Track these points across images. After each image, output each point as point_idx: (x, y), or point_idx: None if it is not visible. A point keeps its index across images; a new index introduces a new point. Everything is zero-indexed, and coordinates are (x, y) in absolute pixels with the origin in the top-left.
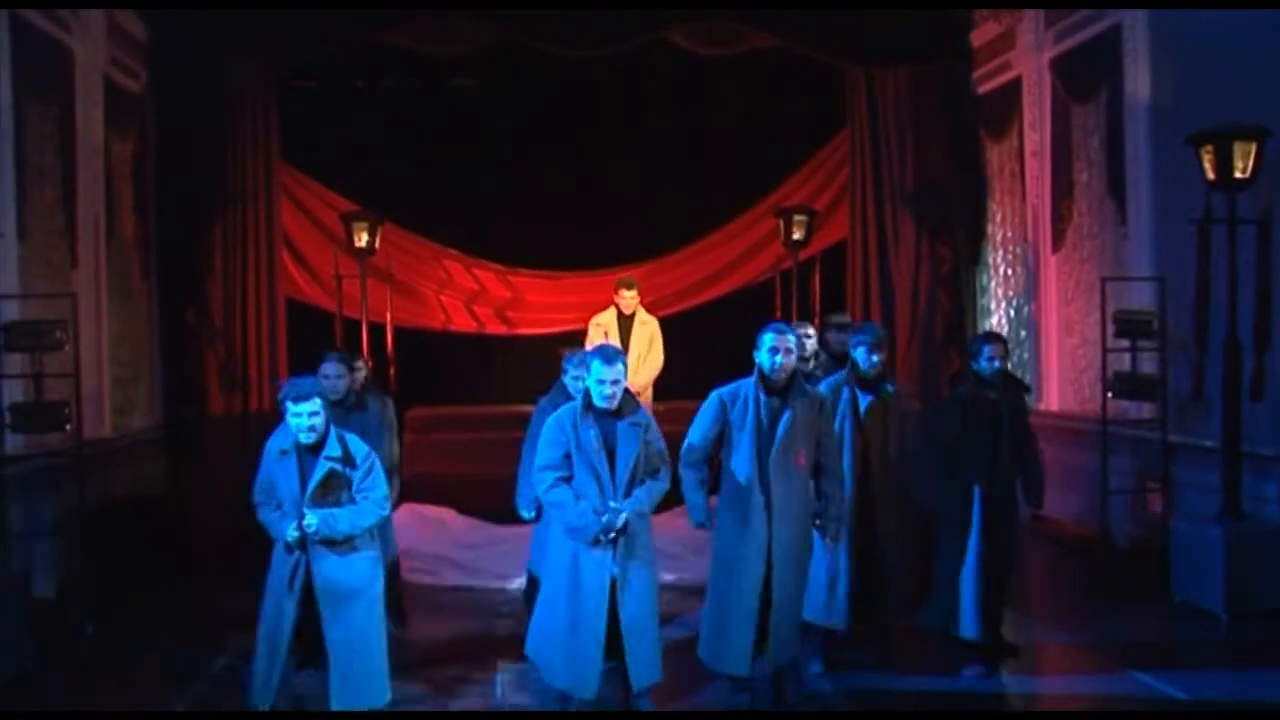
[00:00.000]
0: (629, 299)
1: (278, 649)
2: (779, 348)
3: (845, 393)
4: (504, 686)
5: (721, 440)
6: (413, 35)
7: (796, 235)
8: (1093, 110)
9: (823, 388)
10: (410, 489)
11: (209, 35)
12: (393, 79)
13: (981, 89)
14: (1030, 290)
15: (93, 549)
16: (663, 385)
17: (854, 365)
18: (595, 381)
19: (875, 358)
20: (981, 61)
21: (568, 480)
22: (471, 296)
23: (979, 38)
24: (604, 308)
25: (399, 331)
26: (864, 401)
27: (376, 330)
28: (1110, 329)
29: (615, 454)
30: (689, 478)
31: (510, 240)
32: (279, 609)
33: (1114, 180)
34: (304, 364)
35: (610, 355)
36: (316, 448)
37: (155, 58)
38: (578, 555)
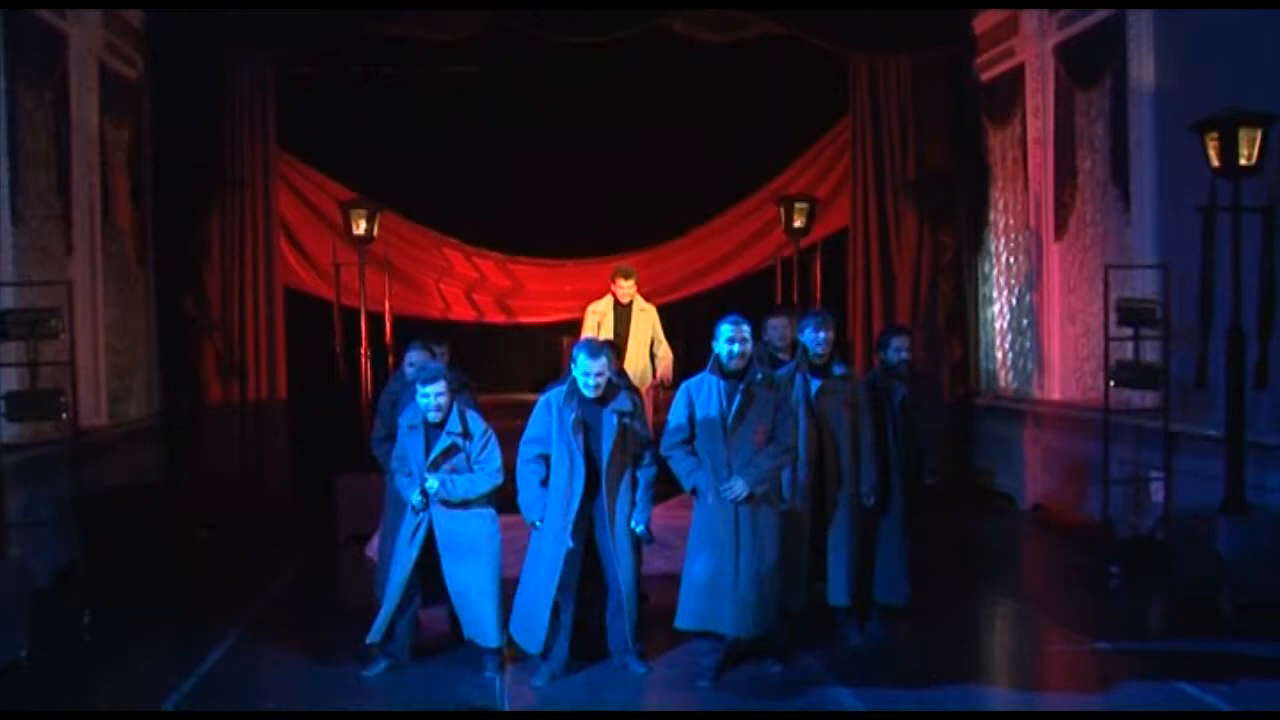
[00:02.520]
0: (626, 288)
1: (398, 591)
2: (735, 338)
3: (798, 379)
4: (503, 677)
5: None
6: (412, 23)
7: (797, 223)
8: (1096, 97)
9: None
10: None
11: (206, 24)
12: (392, 65)
13: (984, 76)
14: (1033, 278)
15: (90, 538)
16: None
17: (803, 349)
18: (581, 374)
19: (822, 334)
20: (984, 48)
21: (547, 460)
22: (471, 285)
23: (981, 24)
24: (601, 296)
25: (398, 320)
26: (815, 385)
27: (375, 319)
28: (1113, 317)
29: (599, 438)
30: (675, 454)
31: (510, 228)
32: (402, 558)
33: (1117, 167)
34: (302, 353)
35: (595, 349)
36: (441, 424)
37: (152, 44)
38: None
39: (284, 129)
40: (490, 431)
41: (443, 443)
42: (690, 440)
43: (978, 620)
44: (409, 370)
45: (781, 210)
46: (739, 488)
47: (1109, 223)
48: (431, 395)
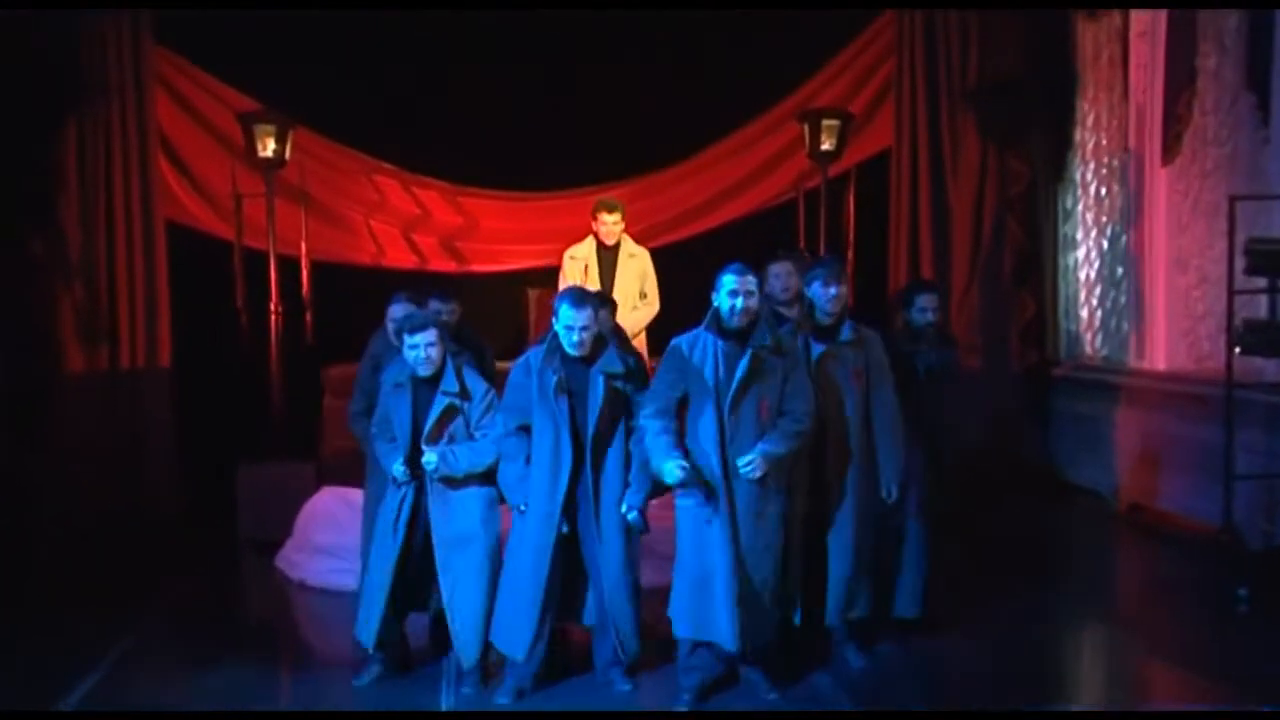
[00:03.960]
0: (611, 225)
1: (380, 589)
2: (740, 290)
3: (800, 341)
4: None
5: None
6: None
7: (825, 145)
8: None
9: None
10: (333, 469)
11: None
12: None
13: None
14: (1131, 214)
15: None
16: (655, 333)
17: (808, 306)
18: (564, 328)
19: (833, 289)
20: None
21: (528, 430)
22: (411, 223)
23: None
24: (580, 237)
25: (317, 268)
26: (816, 351)
27: (288, 266)
28: (1240, 264)
29: (585, 403)
30: (653, 427)
31: (462, 151)
32: (385, 547)
33: (1254, 68)
34: (191, 309)
35: (581, 298)
36: (433, 381)
37: None
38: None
39: (164, 20)
40: (493, 392)
41: (439, 404)
42: (673, 412)
43: (1047, 644)
44: (390, 327)
45: (805, 129)
46: (756, 466)
47: (1238, 141)
48: (421, 345)
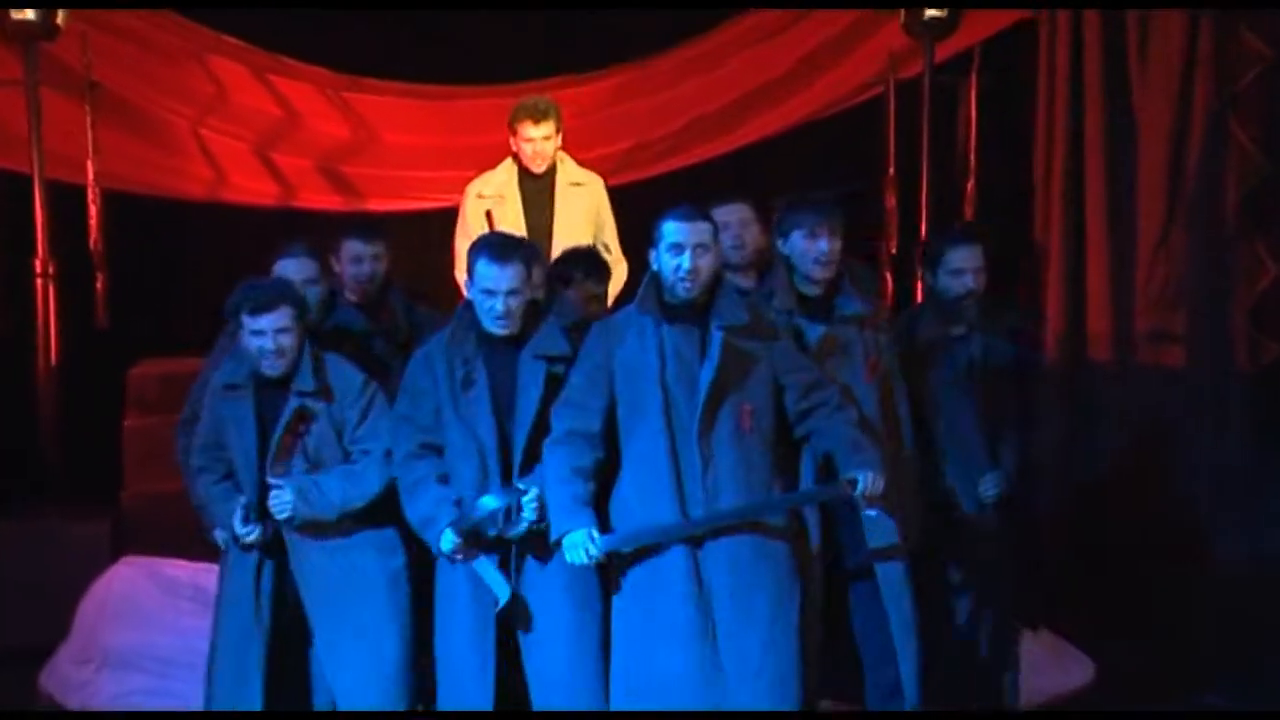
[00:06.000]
0: (539, 141)
1: (242, 700)
2: (686, 243)
3: (781, 320)
4: None
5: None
6: None
7: (932, 11)
8: None
9: None
10: (138, 527)
11: None
12: None
13: None
14: None
15: None
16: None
17: (785, 270)
18: (481, 293)
19: (823, 244)
20: None
21: (438, 451)
22: (268, 134)
23: None
24: (501, 162)
25: (115, 204)
26: (812, 333)
27: (66, 198)
28: None
29: (515, 402)
30: (554, 462)
31: (349, 24)
32: (239, 641)
33: None
34: None
35: (504, 250)
36: (285, 380)
37: None
38: (449, 572)
39: None
40: (374, 387)
41: (286, 412)
42: (595, 436)
43: None
44: None
45: None
46: (878, 484)
47: None
48: (269, 332)
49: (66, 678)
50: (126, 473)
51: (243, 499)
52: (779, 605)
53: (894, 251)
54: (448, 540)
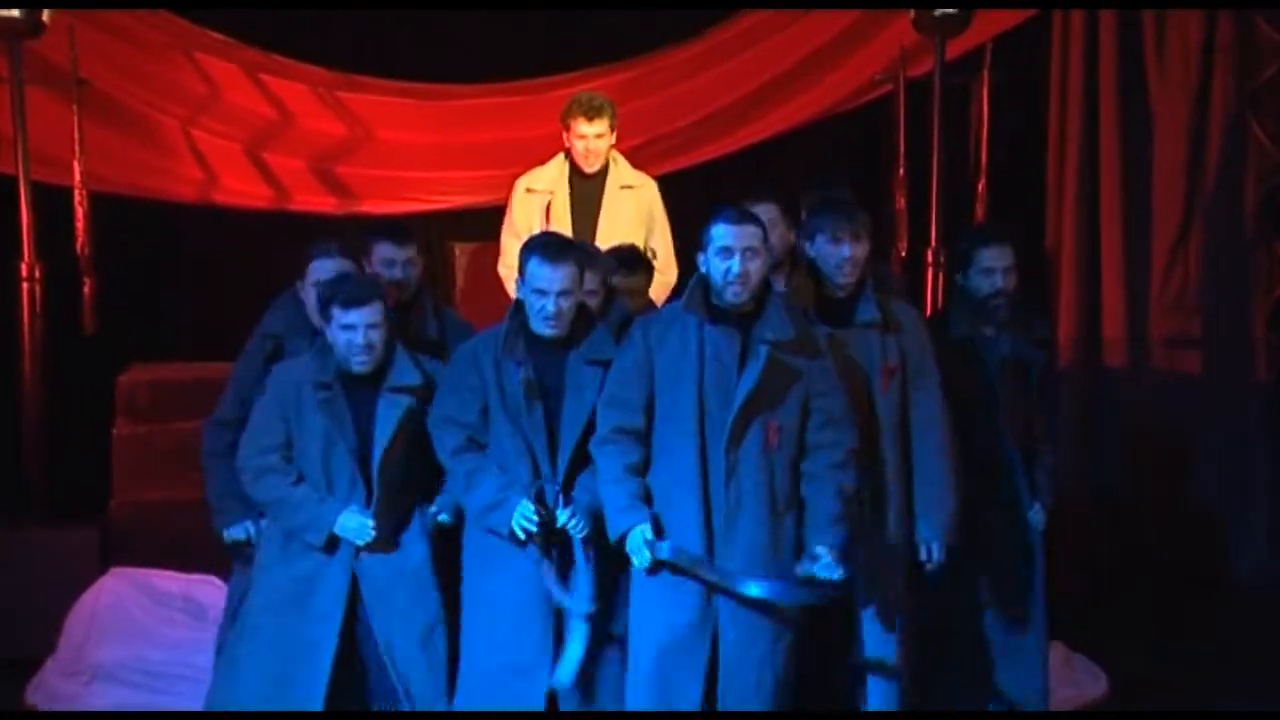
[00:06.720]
0: (593, 139)
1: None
2: (737, 246)
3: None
4: None
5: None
6: None
7: (943, 10)
8: None
9: None
10: (127, 538)
11: None
12: None
13: None
14: None
15: None
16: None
17: (805, 270)
18: (534, 293)
19: (846, 248)
20: None
21: (482, 448)
22: (260, 134)
23: None
24: (539, 157)
25: (103, 206)
26: (820, 334)
27: (54, 201)
28: None
29: (565, 408)
30: (606, 462)
31: (345, 20)
32: (312, 659)
33: None
34: None
35: (558, 250)
36: (371, 380)
37: None
38: (505, 565)
39: None
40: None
41: (392, 409)
42: (640, 434)
43: None
44: (310, 295)
45: None
46: (835, 570)
47: None
48: (361, 327)
49: (54, 691)
50: (115, 481)
51: (347, 506)
52: (776, 642)
53: (904, 254)
54: (525, 509)
